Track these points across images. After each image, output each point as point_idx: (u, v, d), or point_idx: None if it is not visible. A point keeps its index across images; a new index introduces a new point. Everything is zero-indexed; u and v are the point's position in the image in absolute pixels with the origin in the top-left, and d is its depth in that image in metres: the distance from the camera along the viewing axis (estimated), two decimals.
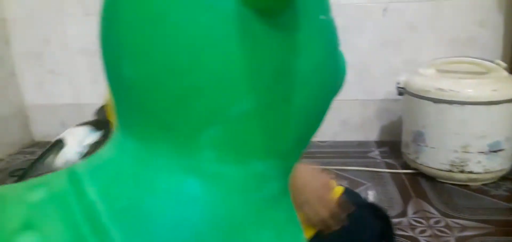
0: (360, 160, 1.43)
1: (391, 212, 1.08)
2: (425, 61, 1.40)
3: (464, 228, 1.00)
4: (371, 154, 1.49)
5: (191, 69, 0.33)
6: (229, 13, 0.32)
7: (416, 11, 1.46)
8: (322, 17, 0.39)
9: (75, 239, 0.33)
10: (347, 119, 1.62)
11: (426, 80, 1.22)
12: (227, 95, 0.34)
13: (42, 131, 1.74)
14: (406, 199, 1.15)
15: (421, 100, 1.21)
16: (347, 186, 1.23)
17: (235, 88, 0.34)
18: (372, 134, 1.62)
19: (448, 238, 0.97)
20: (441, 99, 1.17)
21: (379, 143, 1.59)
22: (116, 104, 0.39)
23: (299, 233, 0.43)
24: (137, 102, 0.36)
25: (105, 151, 0.40)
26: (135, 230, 0.34)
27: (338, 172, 1.34)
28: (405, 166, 1.35)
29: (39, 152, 1.63)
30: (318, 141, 1.65)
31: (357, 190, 1.21)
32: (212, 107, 0.34)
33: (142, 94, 0.36)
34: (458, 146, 1.17)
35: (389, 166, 1.38)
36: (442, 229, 1.00)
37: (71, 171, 0.39)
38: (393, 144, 1.53)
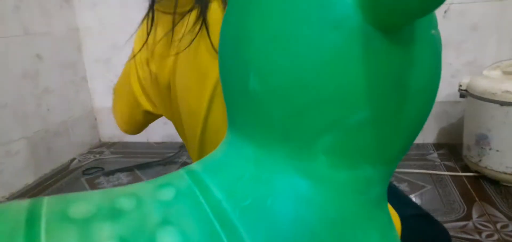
0: (419, 163, 1.42)
1: (454, 216, 1.08)
2: (487, 63, 1.38)
3: None
4: (429, 157, 1.48)
5: (314, 83, 0.36)
6: (354, 30, 0.34)
7: (478, 11, 1.44)
8: (433, 32, 0.41)
9: (210, 235, 0.37)
10: None
11: (491, 82, 1.20)
12: (346, 106, 0.36)
13: (108, 133, 1.86)
14: (469, 203, 1.14)
15: (486, 103, 1.20)
16: (405, 189, 1.24)
17: (354, 100, 0.36)
18: (430, 137, 1.61)
19: None
20: (508, 102, 1.15)
21: (437, 146, 1.57)
22: (233, 113, 0.43)
23: (397, 235, 0.46)
24: (259, 112, 0.40)
25: (219, 154, 0.44)
26: (260, 228, 0.37)
27: (397, 174, 1.34)
28: (466, 169, 1.33)
29: (107, 152, 1.74)
30: None
31: (418, 193, 1.21)
32: (329, 118, 0.37)
33: (265, 106, 0.39)
34: None
35: (449, 168, 1.36)
36: (511, 233, 0.99)
37: (191, 171, 0.43)
38: (452, 147, 1.51)
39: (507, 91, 1.15)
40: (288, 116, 0.38)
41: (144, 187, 0.44)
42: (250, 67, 0.39)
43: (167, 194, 0.41)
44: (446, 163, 1.41)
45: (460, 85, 1.31)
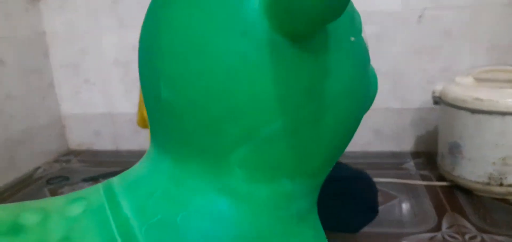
0: (393, 172, 1.39)
1: (424, 227, 1.04)
2: (462, 69, 1.36)
3: None
4: (405, 165, 1.45)
5: (224, 93, 0.35)
6: (261, 39, 0.33)
7: (451, 17, 1.41)
8: (352, 39, 0.39)
9: None
10: (381, 128, 1.58)
11: (463, 89, 1.18)
12: (258, 117, 0.35)
13: (77, 140, 1.80)
14: (441, 213, 1.10)
15: (458, 110, 1.17)
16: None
17: (266, 111, 0.35)
18: (407, 145, 1.58)
19: None
20: (480, 109, 1.11)
21: (415, 154, 1.54)
22: (152, 125, 0.42)
23: None
24: (172, 124, 0.38)
25: (139, 168, 0.42)
26: None
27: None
28: (441, 178, 1.30)
29: (74, 160, 1.68)
30: (350, 152, 1.61)
31: (390, 203, 1.18)
32: (242, 128, 0.35)
33: (177, 116, 0.38)
34: (497, 158, 1.12)
35: (424, 178, 1.33)
36: None
37: (108, 186, 0.42)
38: (429, 155, 1.48)
39: (479, 99, 1.12)
40: (201, 128, 0.37)
41: (57, 201, 0.42)
42: (161, 76, 0.37)
43: (76, 209, 0.40)
44: (422, 172, 1.38)
45: (434, 92, 1.28)
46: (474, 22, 1.40)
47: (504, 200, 1.15)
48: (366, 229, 1.05)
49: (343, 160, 1.51)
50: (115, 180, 0.44)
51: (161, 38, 0.37)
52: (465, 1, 1.39)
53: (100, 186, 0.44)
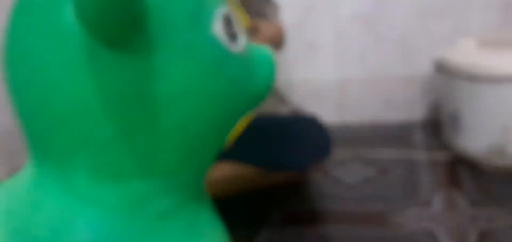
0: (397, 142, 1.35)
1: (413, 201, 1.02)
2: (472, 31, 1.27)
3: (490, 220, 0.91)
4: (411, 136, 1.39)
5: (51, 101, 0.36)
6: (77, 47, 0.35)
7: None
8: (191, 36, 0.38)
9: None
10: (389, 97, 1.52)
11: (461, 56, 1.11)
12: (85, 123, 0.36)
13: None
14: (436, 187, 1.06)
15: (455, 78, 1.10)
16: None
17: (92, 117, 0.36)
18: (418, 113, 1.51)
19: (470, 229, 0.89)
20: (476, 77, 1.05)
21: (424, 123, 1.48)
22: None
23: None
24: (25, 130, 0.41)
25: (22, 171, 0.46)
26: None
27: (368, 157, 1.28)
28: (445, 148, 1.24)
29: None
30: (358, 122, 1.58)
31: (385, 177, 1.15)
32: (78, 134, 0.37)
33: (25, 123, 0.40)
34: (497, 127, 1.05)
35: (427, 149, 1.28)
36: (467, 220, 0.92)
37: None
38: (437, 124, 1.41)
39: (474, 66, 1.05)
40: (43, 134, 0.39)
41: None
42: (8, 84, 0.40)
43: None
44: (427, 142, 1.33)
45: (435, 60, 1.21)
46: None
47: (508, 173, 1.08)
48: (350, 206, 1.05)
49: (352, 132, 1.50)
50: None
51: (4, 49, 0.40)
52: None
53: None
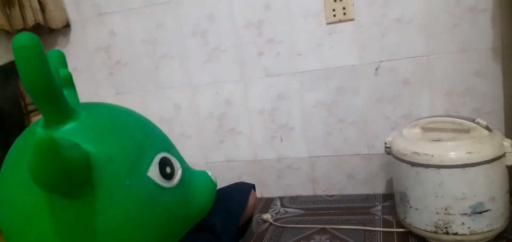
0: (360, 217, 1.47)
1: None
2: (423, 115, 1.42)
3: None
4: (373, 210, 1.52)
5: (22, 237, 0.49)
6: (40, 196, 0.48)
7: (407, 68, 1.49)
8: (127, 182, 0.51)
9: None
10: (353, 173, 1.66)
11: (405, 142, 1.25)
12: None
13: None
14: None
15: (401, 162, 1.24)
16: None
17: None
18: (378, 188, 1.65)
19: None
20: (417, 163, 1.19)
21: (386, 196, 1.61)
22: None
23: None
24: None
25: None
26: None
27: (332, 231, 1.39)
28: (400, 224, 1.36)
29: None
30: (327, 195, 1.71)
31: None
32: None
33: None
34: (440, 208, 1.18)
35: (385, 224, 1.40)
36: None
37: None
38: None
39: (416, 153, 1.19)
40: None
41: None
42: None
43: None
44: (386, 216, 1.45)
45: (385, 143, 1.36)
46: (430, 71, 1.47)
47: None
48: None
49: (323, 203, 1.61)
50: None
51: None
52: (418, 51, 1.47)
53: None
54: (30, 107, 0.90)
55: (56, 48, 1.91)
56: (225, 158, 1.84)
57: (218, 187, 1.14)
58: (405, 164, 1.23)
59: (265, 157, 1.78)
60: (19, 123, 0.90)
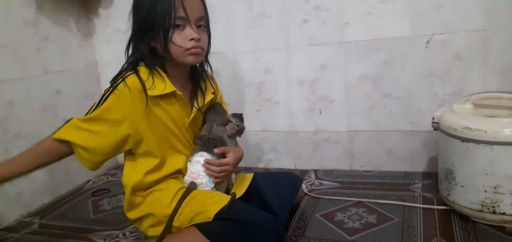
0: (398, 193, 1.43)
1: None
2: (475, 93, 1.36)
3: None
4: (412, 187, 1.48)
5: None
6: None
7: (461, 42, 1.42)
8: None
9: None
10: (394, 149, 1.62)
11: (456, 117, 1.20)
12: None
13: None
14: (429, 237, 1.14)
15: (450, 138, 1.20)
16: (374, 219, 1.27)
17: None
18: (419, 165, 1.60)
19: None
20: (468, 138, 1.14)
21: (425, 175, 1.56)
22: None
23: None
24: None
25: None
26: None
27: (370, 205, 1.36)
28: (442, 202, 1.32)
29: (120, 174, 1.93)
30: (364, 171, 1.67)
31: (383, 225, 1.23)
32: None
33: None
34: (489, 186, 1.13)
35: (426, 201, 1.36)
36: None
37: None
38: (436, 177, 1.49)
39: (468, 128, 1.14)
40: None
41: None
42: None
43: None
44: (426, 194, 1.41)
45: (433, 118, 1.31)
46: (485, 46, 1.40)
47: (500, 228, 1.15)
48: None
49: (356, 179, 1.58)
50: None
51: None
52: (475, 25, 1.40)
53: None
54: None
55: (100, 9, 1.94)
56: (261, 128, 1.83)
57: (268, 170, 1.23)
58: (454, 139, 1.18)
59: (302, 129, 1.75)
60: None
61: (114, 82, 1.07)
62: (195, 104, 1.17)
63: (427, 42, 1.46)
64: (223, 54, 1.78)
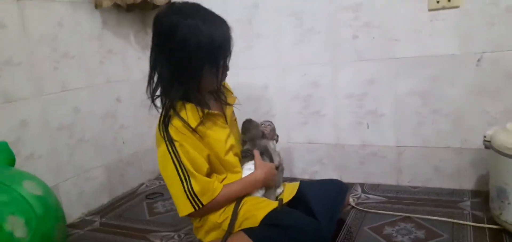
0: (447, 210, 1.43)
1: None
2: None
3: None
4: (461, 204, 1.47)
5: None
6: None
7: None
8: None
9: None
10: (441, 166, 1.62)
11: (509, 136, 1.20)
12: None
13: None
14: None
15: (503, 157, 1.20)
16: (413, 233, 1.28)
17: None
18: (467, 183, 1.59)
19: None
20: None
21: (474, 193, 1.55)
22: None
23: None
24: None
25: None
26: None
27: (418, 220, 1.38)
28: (492, 220, 1.31)
29: None
30: (410, 186, 1.68)
31: (433, 241, 1.25)
32: None
33: None
34: None
35: (475, 219, 1.36)
36: None
37: None
38: (486, 195, 1.48)
39: None
40: None
41: None
42: None
43: None
44: (476, 212, 1.40)
45: (485, 136, 1.31)
46: None
47: None
48: None
49: (402, 195, 1.60)
50: None
51: None
52: None
53: None
54: None
55: None
56: (307, 140, 1.87)
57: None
58: (507, 158, 1.18)
59: (348, 142, 1.79)
60: None
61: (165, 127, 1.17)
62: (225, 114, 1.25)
63: (478, 60, 1.46)
64: (270, 67, 1.85)
